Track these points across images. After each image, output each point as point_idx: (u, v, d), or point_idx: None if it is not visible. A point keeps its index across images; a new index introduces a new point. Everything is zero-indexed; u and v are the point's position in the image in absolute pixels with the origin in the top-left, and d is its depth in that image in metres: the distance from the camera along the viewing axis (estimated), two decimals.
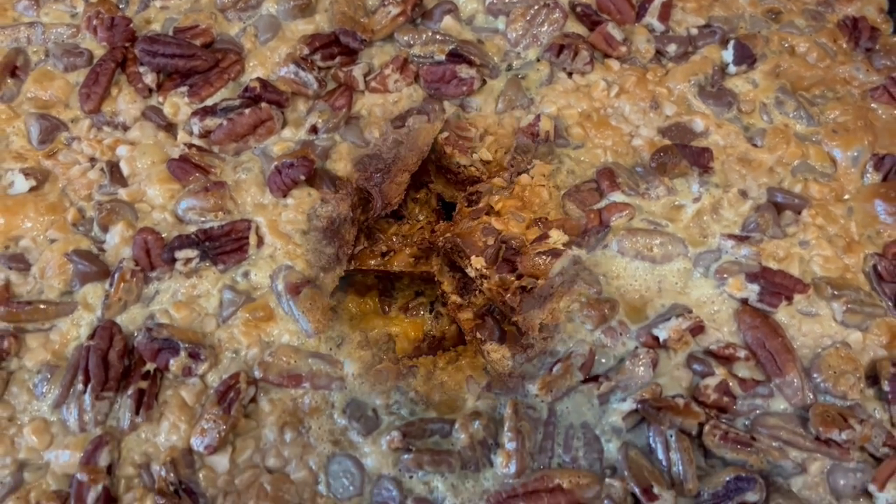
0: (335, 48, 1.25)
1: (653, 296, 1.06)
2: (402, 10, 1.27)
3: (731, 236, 1.10)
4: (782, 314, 1.06)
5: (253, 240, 1.08)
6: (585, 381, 1.02)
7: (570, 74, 1.26)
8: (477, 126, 1.20)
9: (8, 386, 1.02)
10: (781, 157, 1.18)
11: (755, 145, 1.20)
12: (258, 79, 1.21)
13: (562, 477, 0.96)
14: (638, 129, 1.21)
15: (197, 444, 0.97)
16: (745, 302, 1.06)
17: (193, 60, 1.22)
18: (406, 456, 0.98)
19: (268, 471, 0.98)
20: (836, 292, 1.06)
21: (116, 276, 1.05)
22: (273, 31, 1.28)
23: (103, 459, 0.96)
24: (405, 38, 1.28)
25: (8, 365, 1.03)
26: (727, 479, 0.95)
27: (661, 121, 1.22)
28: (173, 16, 1.31)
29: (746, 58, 1.27)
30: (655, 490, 0.94)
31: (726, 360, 1.03)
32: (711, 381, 1.01)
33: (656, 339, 1.04)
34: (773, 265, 1.08)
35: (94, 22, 1.27)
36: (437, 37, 1.27)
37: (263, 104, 1.17)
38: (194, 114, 1.18)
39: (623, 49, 1.27)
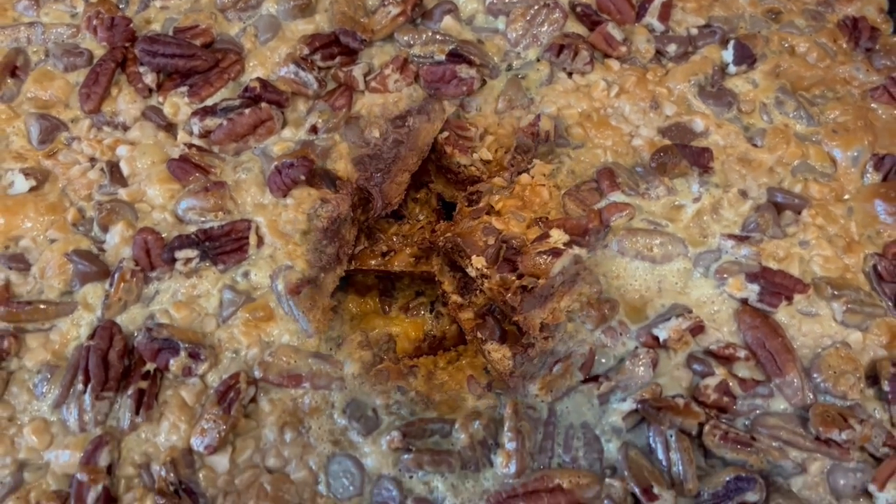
0: (335, 48, 1.25)
1: (653, 296, 1.06)
2: (402, 10, 1.27)
3: (731, 236, 1.10)
4: (782, 314, 1.06)
5: (253, 240, 1.08)
6: (585, 381, 1.02)
7: (570, 74, 1.26)
8: (477, 126, 1.20)
9: (8, 386, 1.02)
10: (781, 157, 1.18)
11: (755, 145, 1.20)
12: (258, 79, 1.21)
13: (562, 477, 0.96)
14: (638, 129, 1.21)
15: (197, 444, 0.97)
16: (745, 302, 1.06)
17: (193, 60, 1.22)
18: (406, 456, 0.98)
19: (268, 471, 0.98)
20: (836, 292, 1.06)
21: (116, 276, 1.05)
22: (273, 31, 1.28)
23: (103, 459, 0.96)
24: (405, 38, 1.28)
25: (8, 365, 1.03)
26: (727, 479, 0.95)
27: (661, 121, 1.22)
28: (173, 16, 1.31)
29: (746, 58, 1.27)
30: (655, 490, 0.94)
31: (726, 360, 1.03)
32: (711, 381, 1.01)
33: (656, 338, 1.04)
34: (773, 265, 1.08)
35: (94, 22, 1.27)
36: (437, 37, 1.27)
37: (263, 104, 1.17)
38: (194, 114, 1.18)
39: (623, 49, 1.27)
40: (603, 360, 1.04)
